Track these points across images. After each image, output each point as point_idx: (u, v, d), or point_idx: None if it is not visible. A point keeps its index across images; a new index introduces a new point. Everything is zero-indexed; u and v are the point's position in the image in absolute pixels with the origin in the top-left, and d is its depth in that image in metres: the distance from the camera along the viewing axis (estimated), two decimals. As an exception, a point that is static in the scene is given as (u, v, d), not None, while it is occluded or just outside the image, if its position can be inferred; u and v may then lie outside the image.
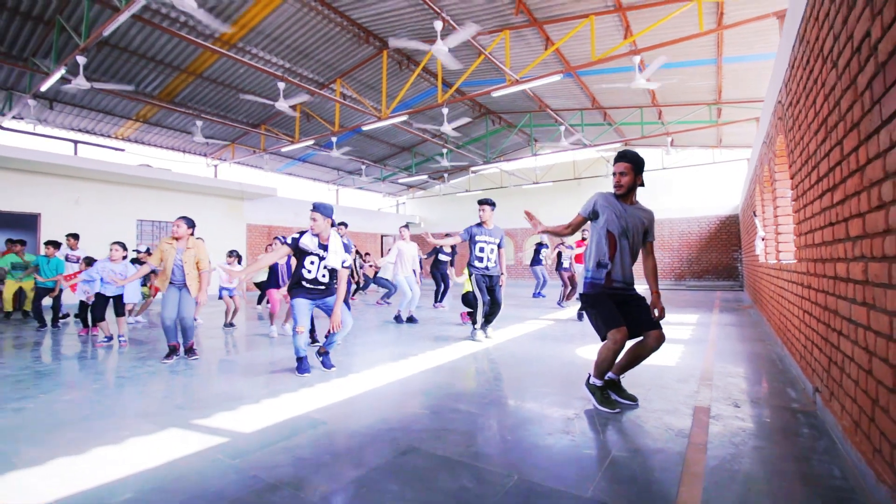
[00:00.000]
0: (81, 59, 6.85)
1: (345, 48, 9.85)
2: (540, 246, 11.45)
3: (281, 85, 8.22)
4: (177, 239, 4.67)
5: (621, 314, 2.82)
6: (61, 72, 7.36)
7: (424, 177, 17.78)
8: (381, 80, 10.76)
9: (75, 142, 11.65)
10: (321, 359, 4.07)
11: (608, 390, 2.92)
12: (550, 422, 2.63)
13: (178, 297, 4.61)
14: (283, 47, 9.52)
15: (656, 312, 2.83)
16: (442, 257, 9.48)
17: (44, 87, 7.98)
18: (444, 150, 13.54)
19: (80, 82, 6.94)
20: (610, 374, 2.96)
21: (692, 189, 15.68)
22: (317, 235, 3.90)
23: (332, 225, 4.02)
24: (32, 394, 3.49)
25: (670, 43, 6.96)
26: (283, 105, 8.34)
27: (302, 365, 3.93)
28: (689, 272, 15.31)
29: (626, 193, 2.89)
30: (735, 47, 8.28)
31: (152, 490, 1.93)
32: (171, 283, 4.62)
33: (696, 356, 4.31)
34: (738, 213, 14.30)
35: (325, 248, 3.89)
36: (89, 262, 6.44)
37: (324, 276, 3.92)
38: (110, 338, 5.59)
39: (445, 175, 18.51)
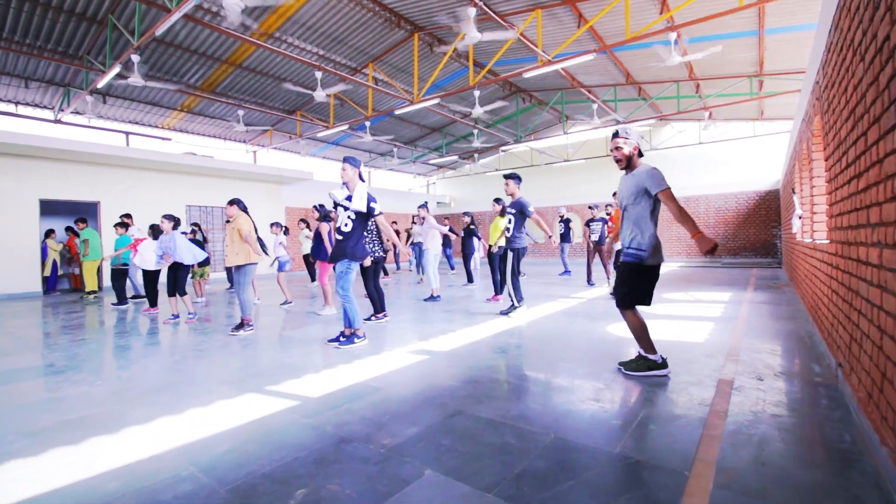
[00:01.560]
0: (136, 58, 7.33)
1: (377, 33, 10.02)
2: (565, 222, 11.57)
3: (318, 74, 8.52)
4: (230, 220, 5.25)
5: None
6: (116, 69, 7.90)
7: (455, 157, 17.91)
8: (412, 62, 10.90)
9: (127, 133, 12.40)
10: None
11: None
12: (581, 391, 2.91)
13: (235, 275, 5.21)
14: (317, 35, 9.78)
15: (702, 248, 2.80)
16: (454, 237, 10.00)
17: (100, 84, 8.59)
18: (475, 131, 13.61)
19: (136, 80, 7.45)
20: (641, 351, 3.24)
21: (731, 164, 15.20)
22: (346, 185, 4.28)
23: (361, 179, 4.32)
24: (124, 364, 4.03)
25: (709, 18, 6.81)
26: (320, 94, 8.65)
27: (350, 339, 4.34)
28: (725, 249, 15.01)
29: (627, 165, 3.18)
30: (778, 18, 7.97)
31: (246, 442, 2.33)
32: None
33: (724, 333, 4.46)
34: (778, 187, 13.83)
35: (350, 198, 4.24)
36: (153, 228, 6.89)
37: (346, 224, 4.25)
38: (177, 315, 6.17)
39: (476, 155, 18.57)
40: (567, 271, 11.70)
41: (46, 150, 10.02)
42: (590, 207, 9.27)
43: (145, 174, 12.20)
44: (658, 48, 7.48)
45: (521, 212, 5.79)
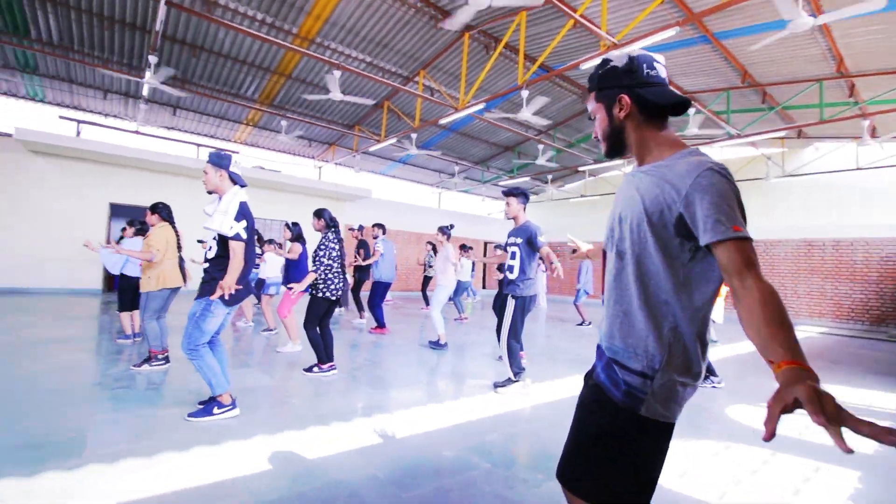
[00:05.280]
0: (153, 59, 7.05)
1: (423, 34, 8.90)
2: None
3: (336, 73, 7.59)
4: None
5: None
6: (149, 75, 7.77)
7: (526, 179, 16.04)
8: (469, 67, 9.59)
9: (198, 145, 12.90)
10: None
11: None
12: None
13: None
14: (359, 39, 8.96)
15: None
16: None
17: (145, 91, 8.65)
18: (541, 147, 11.75)
19: (152, 81, 7.19)
20: None
21: (906, 197, 11.12)
22: (214, 194, 3.06)
23: (236, 182, 3.03)
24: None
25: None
26: (337, 96, 7.70)
27: (207, 408, 2.93)
28: (895, 315, 10.83)
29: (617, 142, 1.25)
30: None
31: None
32: None
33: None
34: None
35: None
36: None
37: (210, 248, 3.00)
38: (129, 335, 5.32)
39: (549, 177, 16.49)
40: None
41: (118, 157, 10.58)
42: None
43: (210, 185, 12.47)
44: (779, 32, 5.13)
45: (528, 242, 3.97)
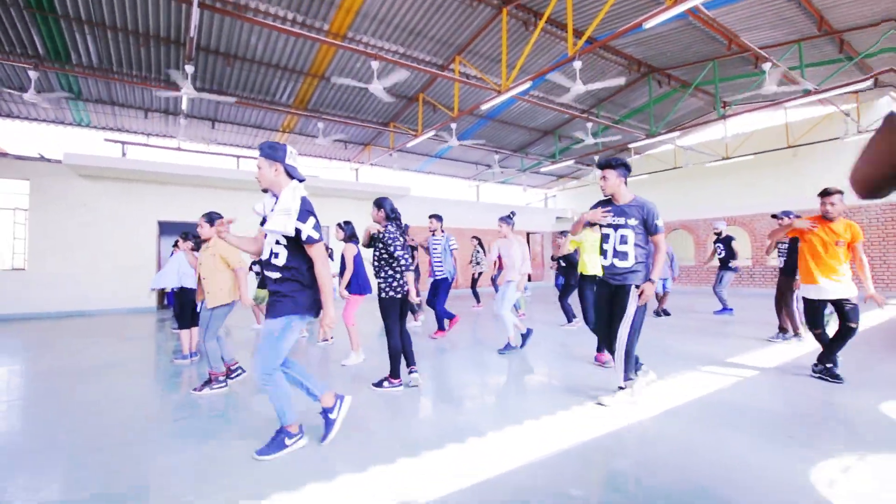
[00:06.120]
0: (189, 69, 6.90)
1: (457, 17, 8.41)
2: (725, 241, 8.13)
3: (374, 64, 7.19)
4: (206, 241, 4.15)
5: None
6: (185, 86, 7.64)
7: (570, 162, 15.25)
8: (507, 47, 9.01)
9: (238, 157, 12.91)
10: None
11: None
12: None
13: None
14: (392, 28, 8.58)
15: None
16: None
17: (184, 106, 8.56)
18: (588, 125, 10.99)
19: (189, 91, 7.03)
20: None
21: None
22: (272, 194, 2.58)
23: (293, 176, 2.57)
24: None
25: None
26: (377, 87, 7.31)
27: (277, 440, 2.57)
28: None
29: None
30: None
31: None
32: None
33: None
34: None
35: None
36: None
37: (275, 255, 2.52)
38: (187, 355, 5.12)
39: (595, 157, 15.63)
40: (726, 309, 8.32)
41: (164, 175, 10.64)
42: (774, 216, 5.89)
43: (251, 195, 12.46)
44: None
45: (644, 223, 3.34)
